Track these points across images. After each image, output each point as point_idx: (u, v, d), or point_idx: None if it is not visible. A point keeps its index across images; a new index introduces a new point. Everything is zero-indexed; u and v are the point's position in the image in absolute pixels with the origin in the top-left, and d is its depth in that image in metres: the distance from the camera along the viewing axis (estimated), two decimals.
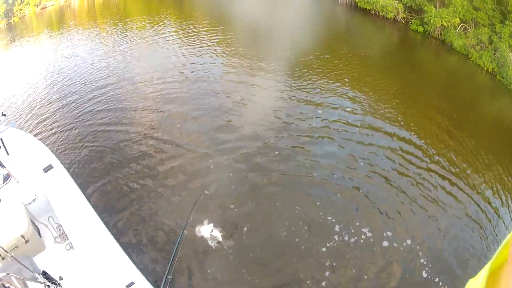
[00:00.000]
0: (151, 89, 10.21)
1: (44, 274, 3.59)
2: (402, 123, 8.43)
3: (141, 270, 3.90)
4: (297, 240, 5.66)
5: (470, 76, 11.37)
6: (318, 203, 6.23)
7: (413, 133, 8.13)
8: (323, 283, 5.13)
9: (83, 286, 4.05)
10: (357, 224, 5.89)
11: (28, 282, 3.29)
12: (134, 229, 5.96)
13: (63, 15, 26.91)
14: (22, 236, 4.25)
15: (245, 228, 5.85)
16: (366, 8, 13.70)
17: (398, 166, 7.10)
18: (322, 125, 8.24)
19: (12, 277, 3.05)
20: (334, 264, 5.34)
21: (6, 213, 4.54)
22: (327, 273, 5.24)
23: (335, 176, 6.87)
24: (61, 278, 3.79)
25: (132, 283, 3.75)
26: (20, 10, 28.39)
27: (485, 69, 11.40)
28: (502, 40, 11.16)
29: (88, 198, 4.76)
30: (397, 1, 13.19)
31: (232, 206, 6.21)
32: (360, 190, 6.53)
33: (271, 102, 9.03)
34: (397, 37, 13.25)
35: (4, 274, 3.05)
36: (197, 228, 5.70)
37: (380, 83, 10.12)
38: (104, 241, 4.23)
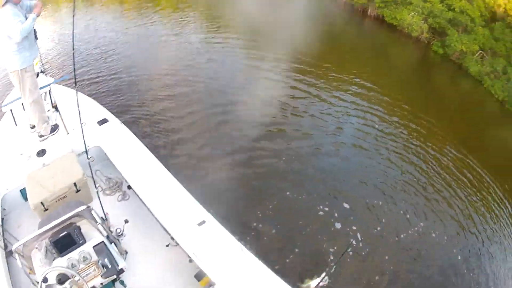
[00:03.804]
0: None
1: (103, 220, 3.60)
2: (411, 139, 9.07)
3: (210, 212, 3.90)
4: None
5: (481, 103, 12.18)
6: None
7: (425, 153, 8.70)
8: None
9: (146, 229, 4.03)
10: None
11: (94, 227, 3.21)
12: (197, 177, 6.53)
13: None
14: (75, 185, 4.12)
15: None
16: (392, 24, 14.28)
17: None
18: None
19: (93, 211, 2.98)
20: None
21: (57, 161, 4.39)
22: None
23: None
24: (126, 221, 3.80)
25: (203, 222, 3.72)
26: None
27: (496, 97, 12.24)
28: None
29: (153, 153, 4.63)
30: (423, 21, 13.82)
31: None
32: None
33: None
34: (418, 56, 13.94)
35: (84, 207, 2.90)
36: None
37: (393, 97, 10.66)
38: (169, 186, 4.08)
